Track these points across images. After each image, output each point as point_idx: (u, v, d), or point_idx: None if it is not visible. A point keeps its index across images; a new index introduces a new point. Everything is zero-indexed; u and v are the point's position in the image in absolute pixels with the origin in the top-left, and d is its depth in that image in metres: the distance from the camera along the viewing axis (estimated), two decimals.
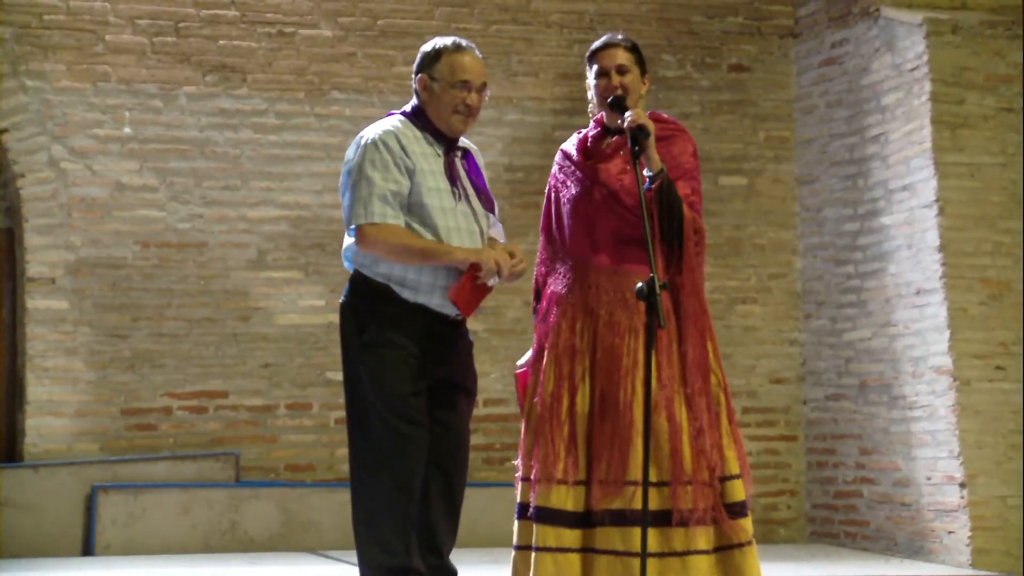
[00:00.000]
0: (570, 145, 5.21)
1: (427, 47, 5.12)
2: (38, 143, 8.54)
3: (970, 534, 8.12)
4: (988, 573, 7.99)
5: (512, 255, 5.05)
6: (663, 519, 4.84)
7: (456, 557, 5.23)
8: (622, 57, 5.04)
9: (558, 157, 5.23)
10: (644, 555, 4.69)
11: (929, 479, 8.41)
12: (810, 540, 9.40)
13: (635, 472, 4.84)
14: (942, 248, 8.31)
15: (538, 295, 5.19)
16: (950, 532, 8.24)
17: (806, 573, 7.95)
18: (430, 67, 5.07)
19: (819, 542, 9.30)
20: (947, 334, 8.27)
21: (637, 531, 4.80)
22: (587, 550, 4.90)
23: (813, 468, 9.41)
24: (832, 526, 9.22)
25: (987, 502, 8.16)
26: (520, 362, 5.18)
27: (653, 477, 4.84)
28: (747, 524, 4.96)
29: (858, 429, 8.99)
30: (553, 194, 5.20)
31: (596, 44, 5.11)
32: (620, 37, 5.11)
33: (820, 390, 9.34)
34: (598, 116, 5.16)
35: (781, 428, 9.50)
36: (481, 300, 5.05)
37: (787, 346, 9.51)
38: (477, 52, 5.12)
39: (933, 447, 8.37)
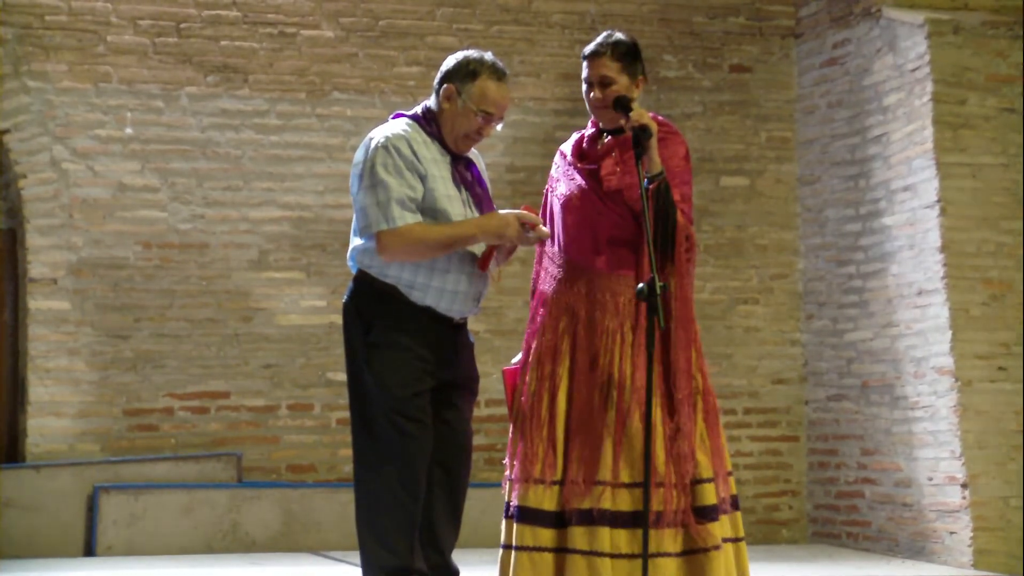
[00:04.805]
0: (567, 145, 5.21)
1: (466, 59, 5.04)
2: (40, 144, 8.54)
3: (972, 535, 8.11)
4: (990, 574, 7.99)
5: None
6: (634, 520, 4.82)
7: (457, 557, 5.23)
8: (607, 68, 4.98)
9: (555, 157, 5.23)
10: (645, 556, 4.69)
11: (931, 480, 8.41)
12: (812, 540, 9.40)
13: (604, 472, 4.85)
14: (944, 249, 8.31)
15: (534, 294, 5.20)
16: (952, 533, 8.24)
17: (807, 573, 7.95)
18: (462, 82, 5.01)
19: (821, 542, 9.30)
20: (949, 335, 8.27)
21: (603, 531, 4.83)
22: (561, 550, 4.90)
23: (815, 469, 9.41)
24: (834, 526, 9.22)
25: (989, 503, 8.16)
26: (513, 361, 5.18)
27: (626, 478, 4.85)
28: (716, 528, 4.91)
29: (860, 430, 8.98)
30: (548, 194, 5.20)
31: (587, 48, 5.05)
32: (610, 41, 5.02)
33: (822, 390, 9.34)
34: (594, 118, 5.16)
35: (783, 429, 9.50)
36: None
37: (789, 347, 9.51)
38: (509, 81, 5.07)
39: (935, 448, 8.37)
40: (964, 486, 8.16)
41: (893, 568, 8.15)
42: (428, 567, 5.05)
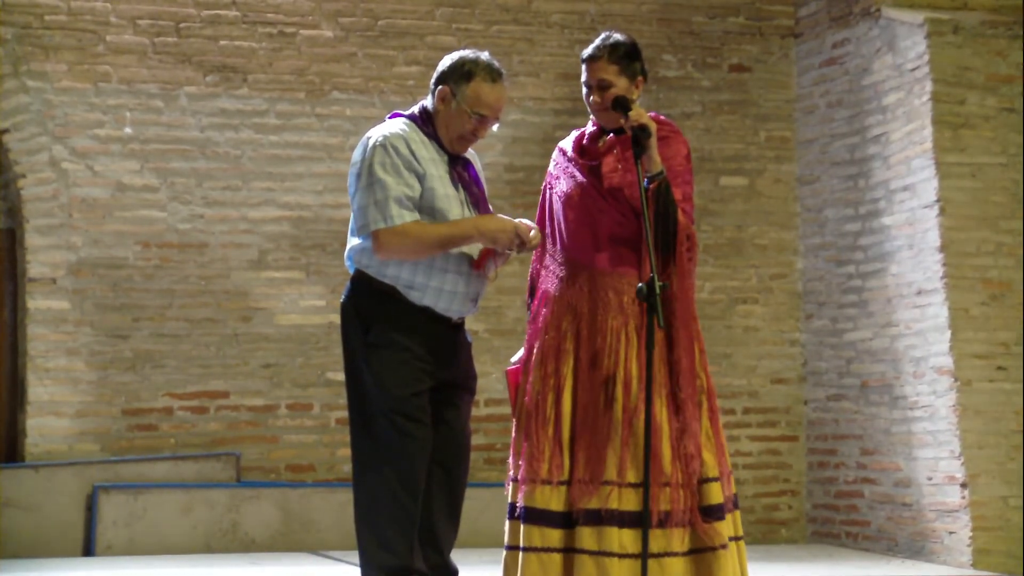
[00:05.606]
0: (567, 142, 5.20)
1: (460, 60, 5.04)
2: (39, 143, 8.54)
3: (971, 534, 8.11)
4: (989, 574, 7.99)
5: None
6: (641, 520, 4.80)
7: (457, 557, 5.23)
8: (605, 71, 4.98)
9: (554, 154, 5.22)
10: (645, 556, 4.69)
11: (930, 479, 8.41)
12: (811, 540, 9.40)
13: (611, 472, 4.85)
14: (943, 248, 8.31)
15: (532, 292, 5.20)
16: (951, 532, 8.24)
17: (807, 573, 7.95)
18: (457, 84, 5.00)
19: (820, 542, 9.30)
20: (948, 334, 8.27)
21: (611, 531, 4.82)
22: (569, 550, 4.90)
23: (814, 468, 9.41)
24: (833, 526, 9.22)
25: (988, 502, 8.16)
26: (513, 359, 5.18)
27: (632, 478, 4.84)
28: (723, 527, 4.91)
29: (859, 429, 8.99)
30: (547, 191, 5.19)
31: (585, 51, 5.05)
32: (607, 44, 5.01)
33: (821, 390, 9.34)
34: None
35: (782, 428, 9.50)
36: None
37: (788, 346, 9.51)
38: (505, 81, 5.06)
39: (934, 447, 8.37)
40: (963, 486, 8.16)
41: (892, 568, 8.14)
42: (427, 567, 5.05)
